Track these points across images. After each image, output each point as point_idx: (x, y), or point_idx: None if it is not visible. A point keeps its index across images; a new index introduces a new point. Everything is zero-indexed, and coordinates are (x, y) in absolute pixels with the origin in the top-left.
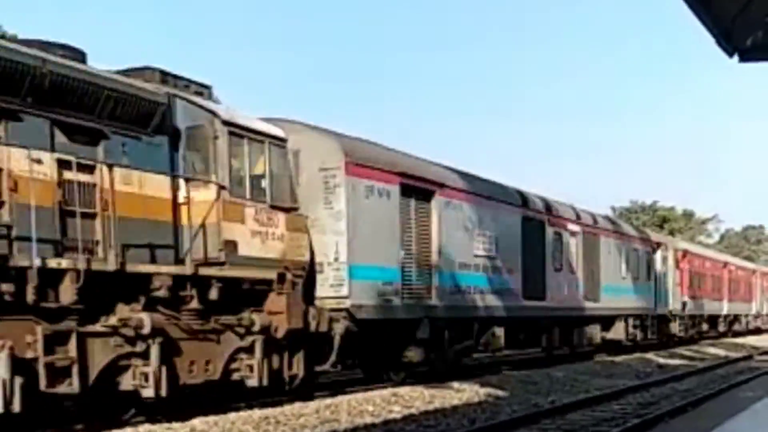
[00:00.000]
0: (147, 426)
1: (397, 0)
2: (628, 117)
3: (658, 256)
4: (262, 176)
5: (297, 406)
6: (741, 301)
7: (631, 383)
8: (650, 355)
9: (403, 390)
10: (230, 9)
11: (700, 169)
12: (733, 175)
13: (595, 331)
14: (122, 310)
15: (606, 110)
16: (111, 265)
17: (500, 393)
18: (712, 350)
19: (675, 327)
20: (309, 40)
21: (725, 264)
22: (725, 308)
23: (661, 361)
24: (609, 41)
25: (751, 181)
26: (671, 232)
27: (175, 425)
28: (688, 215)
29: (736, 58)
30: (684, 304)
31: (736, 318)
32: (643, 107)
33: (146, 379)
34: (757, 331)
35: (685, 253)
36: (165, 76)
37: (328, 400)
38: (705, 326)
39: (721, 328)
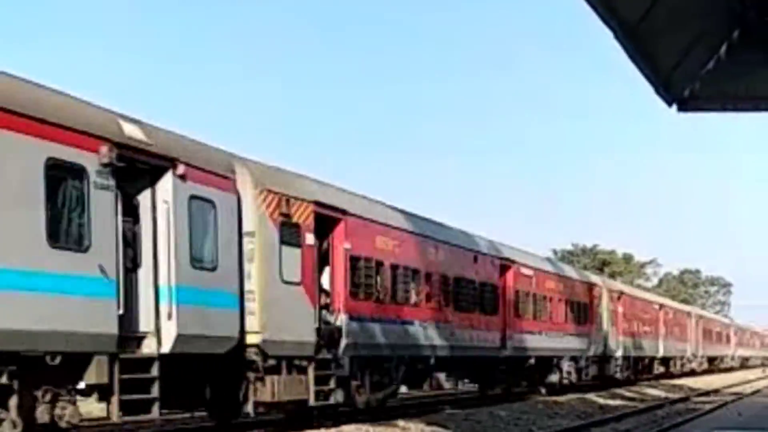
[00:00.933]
0: None
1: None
2: (569, 161)
3: (228, 208)
4: None
5: None
6: (488, 330)
7: (573, 423)
8: (591, 396)
9: (348, 428)
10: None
11: (639, 212)
12: (672, 219)
13: None
14: None
15: (546, 154)
16: None
17: None
18: (652, 391)
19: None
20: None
21: (473, 253)
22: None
23: (602, 401)
24: (553, 87)
25: (689, 225)
26: (612, 275)
27: None
28: (628, 258)
29: (674, 107)
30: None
31: (522, 360)
32: (583, 150)
33: None
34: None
35: (340, 215)
36: None
37: None
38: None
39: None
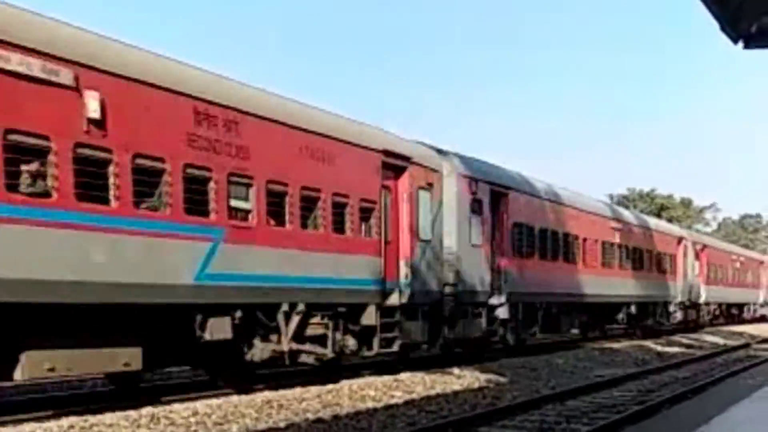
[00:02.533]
0: (149, 408)
1: None
2: (626, 105)
3: None
4: None
5: (298, 391)
6: None
7: (631, 370)
8: (649, 343)
9: (404, 375)
10: None
11: (698, 155)
12: (732, 164)
13: None
14: None
15: (603, 100)
16: None
17: (501, 379)
18: (711, 338)
19: None
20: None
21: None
22: None
23: (660, 348)
24: (609, 32)
25: (750, 169)
26: (670, 221)
27: (177, 407)
28: (686, 203)
29: (740, 44)
30: None
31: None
32: (642, 96)
33: None
34: None
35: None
36: None
37: (330, 385)
38: None
39: None
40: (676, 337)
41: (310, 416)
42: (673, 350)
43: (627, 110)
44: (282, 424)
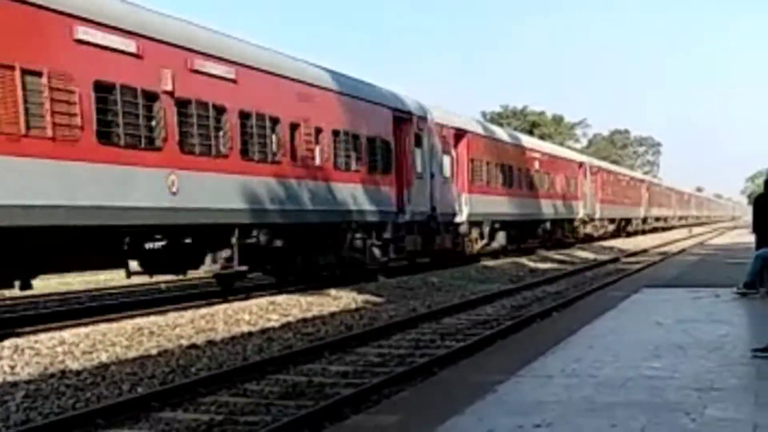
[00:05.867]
0: (13, 340)
1: None
2: (496, 18)
3: None
4: None
5: (171, 317)
6: None
7: (505, 287)
8: (523, 260)
9: (281, 298)
10: None
11: (569, 72)
12: (602, 78)
13: None
14: None
15: (474, 11)
16: None
17: (378, 299)
18: (582, 254)
19: None
20: None
21: None
22: None
23: (533, 265)
24: None
25: (619, 85)
26: (542, 137)
27: (42, 337)
28: (558, 120)
29: None
30: None
31: None
32: (510, 8)
33: None
34: None
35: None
36: None
37: (203, 310)
38: None
39: None
40: (550, 254)
41: (184, 342)
42: (546, 266)
43: (496, 23)
44: (154, 351)
